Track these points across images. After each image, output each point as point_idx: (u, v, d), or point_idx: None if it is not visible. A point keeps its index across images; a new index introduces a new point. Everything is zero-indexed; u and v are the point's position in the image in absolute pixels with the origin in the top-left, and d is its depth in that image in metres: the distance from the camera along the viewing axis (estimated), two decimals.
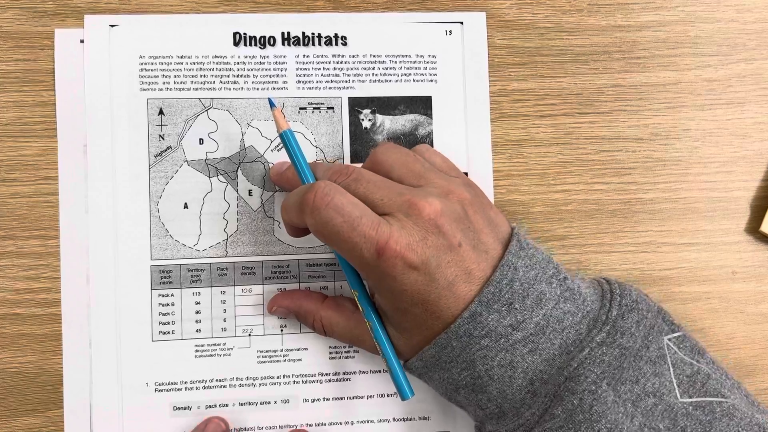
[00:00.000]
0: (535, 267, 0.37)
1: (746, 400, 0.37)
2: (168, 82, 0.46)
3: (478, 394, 0.37)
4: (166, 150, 0.46)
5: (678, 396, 0.36)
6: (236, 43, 0.47)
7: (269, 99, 0.43)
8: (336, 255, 0.41)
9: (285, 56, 0.47)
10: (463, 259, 0.36)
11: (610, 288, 0.39)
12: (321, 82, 0.47)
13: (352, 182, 0.38)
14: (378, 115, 0.47)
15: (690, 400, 0.36)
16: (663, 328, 0.38)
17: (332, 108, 0.47)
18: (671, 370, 0.36)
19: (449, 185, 0.38)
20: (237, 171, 0.46)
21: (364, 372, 0.46)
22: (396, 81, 0.47)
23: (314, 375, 0.46)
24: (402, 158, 0.40)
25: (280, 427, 0.45)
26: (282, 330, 0.46)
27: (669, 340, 0.37)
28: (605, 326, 0.36)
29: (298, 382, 0.46)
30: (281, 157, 0.46)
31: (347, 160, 0.47)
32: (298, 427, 0.45)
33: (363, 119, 0.47)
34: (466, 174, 0.45)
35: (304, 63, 0.47)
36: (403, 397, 0.39)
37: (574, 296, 0.37)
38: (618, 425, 0.34)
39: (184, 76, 0.46)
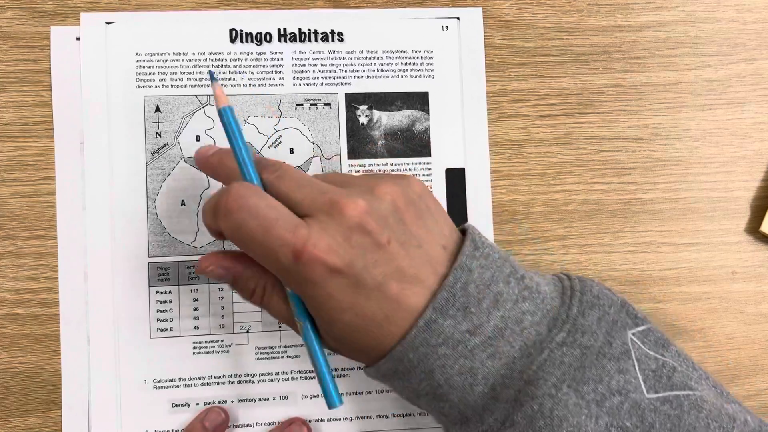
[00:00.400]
0: (491, 267, 0.35)
1: (714, 391, 0.36)
2: (164, 79, 0.46)
3: (440, 402, 0.35)
4: (162, 147, 0.46)
5: (645, 392, 0.34)
6: (233, 40, 0.46)
7: (210, 72, 0.41)
8: None
9: (281, 53, 0.47)
10: (392, 257, 0.34)
11: (571, 284, 0.37)
12: (318, 78, 0.47)
13: (276, 179, 0.35)
14: (375, 111, 0.47)
15: (656, 395, 0.34)
16: (627, 322, 0.36)
17: (329, 104, 0.47)
18: (636, 365, 0.35)
19: (377, 181, 0.35)
20: None
21: (362, 368, 0.46)
22: (393, 77, 0.47)
23: (313, 371, 0.46)
24: None
25: (279, 423, 0.46)
26: (280, 327, 0.46)
27: (633, 335, 0.36)
28: (565, 325, 0.35)
29: (296, 379, 0.46)
30: (278, 153, 0.46)
31: (344, 157, 0.47)
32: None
33: (360, 115, 0.47)
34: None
35: (300, 59, 0.47)
36: (330, 405, 0.36)
37: (533, 295, 0.35)
38: (581, 428, 0.33)
39: (180, 73, 0.46)
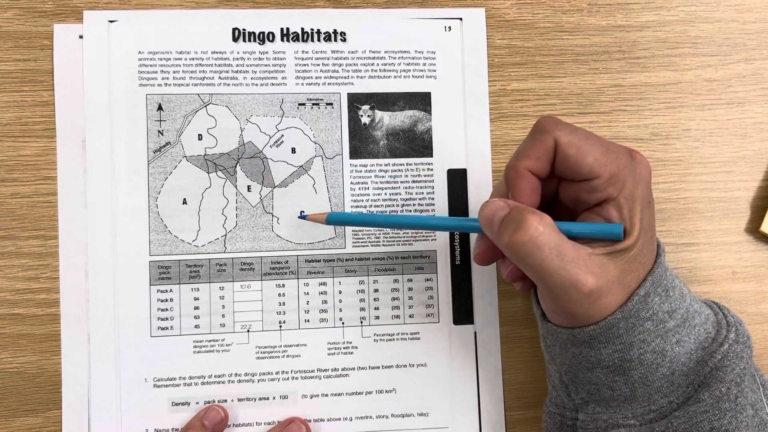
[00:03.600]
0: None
1: None
2: (167, 78, 0.46)
3: (618, 376, 0.37)
4: (165, 146, 0.46)
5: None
6: (235, 39, 0.46)
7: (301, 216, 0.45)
8: None
9: (284, 52, 0.47)
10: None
11: (713, 301, 0.41)
12: (320, 78, 0.47)
13: None
14: (377, 111, 0.47)
15: None
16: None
17: (331, 104, 0.47)
18: (761, 389, 0.38)
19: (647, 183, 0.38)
20: (236, 167, 0.46)
21: (362, 368, 0.46)
22: (395, 77, 0.47)
23: (313, 371, 0.46)
24: None
25: (279, 423, 0.45)
26: (281, 326, 0.46)
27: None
28: (731, 327, 0.38)
29: (296, 378, 0.46)
30: (280, 152, 0.46)
31: (346, 156, 0.47)
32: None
33: (362, 115, 0.47)
34: None
35: (303, 59, 0.47)
36: None
37: (695, 298, 0.39)
38: (752, 421, 0.36)
39: (183, 71, 0.46)
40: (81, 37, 0.45)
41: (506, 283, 0.47)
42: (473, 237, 0.47)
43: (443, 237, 0.47)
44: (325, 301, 0.46)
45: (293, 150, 0.47)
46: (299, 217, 0.46)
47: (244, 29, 0.47)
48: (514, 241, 0.34)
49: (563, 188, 0.38)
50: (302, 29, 0.47)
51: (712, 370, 0.36)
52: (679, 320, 0.37)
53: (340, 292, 0.46)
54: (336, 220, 0.44)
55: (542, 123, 0.37)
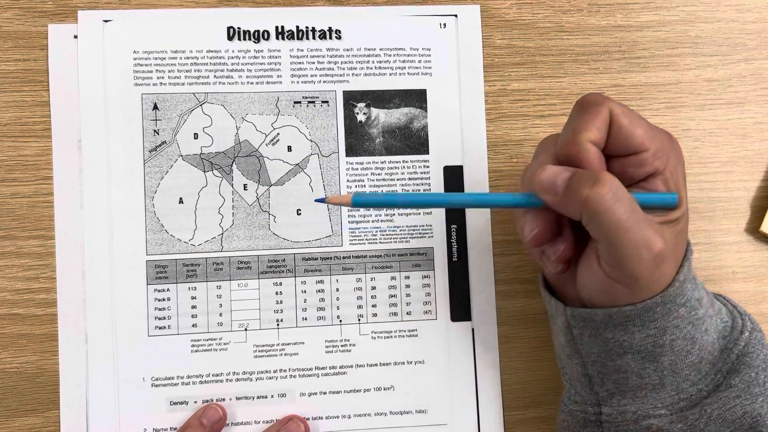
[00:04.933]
0: None
1: None
2: (162, 77, 0.46)
3: (648, 362, 0.37)
4: (160, 145, 0.46)
5: None
6: (230, 38, 0.46)
7: (318, 199, 0.41)
8: None
9: (279, 50, 0.47)
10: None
11: (716, 293, 0.41)
12: (315, 75, 0.47)
13: None
14: (373, 109, 0.47)
15: None
16: None
17: (327, 102, 0.47)
18: None
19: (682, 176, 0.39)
20: (232, 165, 0.46)
21: (360, 366, 0.46)
22: (390, 74, 0.47)
23: (311, 369, 0.46)
24: None
25: (277, 421, 0.45)
26: (278, 324, 0.46)
27: None
28: (744, 316, 0.39)
29: (294, 376, 0.46)
30: (276, 150, 0.46)
31: (342, 154, 0.47)
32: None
33: (358, 113, 0.47)
34: None
35: (298, 57, 0.47)
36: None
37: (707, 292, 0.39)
38: None
39: (178, 70, 0.46)
40: (76, 37, 0.46)
41: (505, 282, 0.47)
42: (472, 236, 0.47)
43: (440, 234, 0.47)
44: (323, 299, 0.46)
45: (289, 148, 0.47)
46: (317, 200, 0.43)
47: (239, 28, 0.47)
48: (596, 194, 0.33)
49: (610, 166, 0.38)
50: (297, 27, 0.47)
51: (738, 357, 0.37)
52: (707, 308, 0.37)
53: (338, 290, 0.46)
54: (363, 202, 0.39)
55: (592, 97, 0.37)
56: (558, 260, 0.39)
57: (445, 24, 0.48)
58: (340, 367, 0.46)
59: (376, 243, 0.47)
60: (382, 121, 0.47)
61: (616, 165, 0.37)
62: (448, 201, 0.41)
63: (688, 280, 0.36)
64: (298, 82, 0.47)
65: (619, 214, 0.33)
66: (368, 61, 0.47)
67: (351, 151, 0.47)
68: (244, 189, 0.46)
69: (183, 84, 0.46)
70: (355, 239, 0.47)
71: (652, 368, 0.37)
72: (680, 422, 0.37)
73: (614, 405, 0.38)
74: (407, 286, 0.47)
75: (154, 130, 0.46)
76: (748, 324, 0.38)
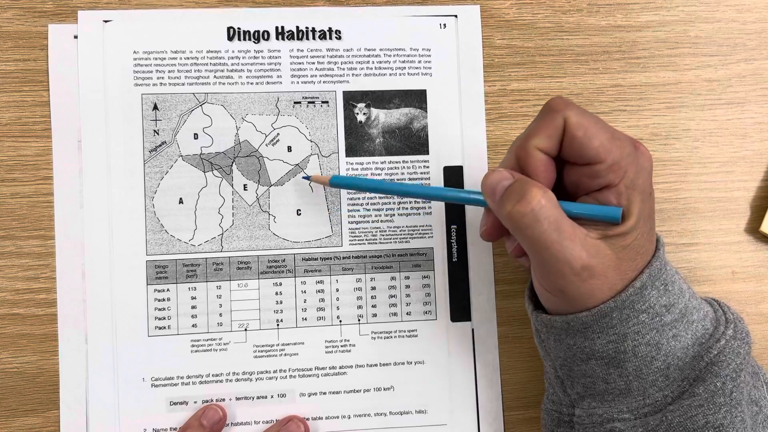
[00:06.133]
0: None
1: None
2: (162, 77, 0.46)
3: (612, 368, 0.37)
4: (160, 145, 0.46)
5: None
6: (230, 38, 0.46)
7: (304, 177, 0.45)
8: None
9: (279, 50, 0.47)
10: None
11: (713, 299, 0.41)
12: (315, 76, 0.47)
13: None
14: (373, 109, 0.47)
15: None
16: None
17: (327, 102, 0.47)
18: (765, 386, 0.39)
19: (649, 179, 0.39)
20: (232, 166, 0.46)
21: (360, 366, 0.46)
22: (390, 75, 0.47)
23: (311, 369, 0.46)
24: None
25: (277, 421, 0.45)
26: (278, 324, 0.46)
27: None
28: (729, 324, 0.38)
29: (294, 377, 0.46)
30: (276, 151, 0.46)
31: (342, 154, 0.47)
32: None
33: (357, 113, 0.47)
34: None
35: (298, 57, 0.47)
36: None
37: (695, 295, 0.39)
38: (746, 418, 0.36)
39: (178, 71, 0.46)
40: (76, 37, 0.46)
41: (505, 282, 0.47)
42: (472, 236, 0.47)
43: (440, 234, 0.47)
44: (323, 300, 0.46)
45: (289, 148, 0.47)
46: (303, 178, 0.46)
47: (239, 28, 0.47)
48: (516, 212, 0.35)
49: (566, 172, 0.38)
50: (297, 27, 0.47)
51: (707, 365, 0.36)
52: (677, 315, 0.37)
53: (338, 290, 0.46)
54: (340, 182, 0.44)
55: (553, 103, 0.37)
56: (512, 255, 0.40)
57: (445, 24, 0.48)
58: (340, 368, 0.46)
59: (375, 243, 0.47)
60: (382, 122, 0.47)
61: (573, 172, 0.37)
62: (414, 192, 0.42)
63: (652, 286, 0.36)
64: (298, 83, 0.47)
65: (538, 233, 0.34)
66: (368, 62, 0.47)
67: (351, 151, 0.47)
68: (244, 189, 0.46)
69: (183, 84, 0.46)
70: (354, 239, 0.47)
71: (617, 374, 0.37)
72: (641, 427, 0.37)
73: (585, 407, 0.39)
74: (407, 287, 0.47)
75: (154, 131, 0.46)
76: (729, 332, 0.37)
